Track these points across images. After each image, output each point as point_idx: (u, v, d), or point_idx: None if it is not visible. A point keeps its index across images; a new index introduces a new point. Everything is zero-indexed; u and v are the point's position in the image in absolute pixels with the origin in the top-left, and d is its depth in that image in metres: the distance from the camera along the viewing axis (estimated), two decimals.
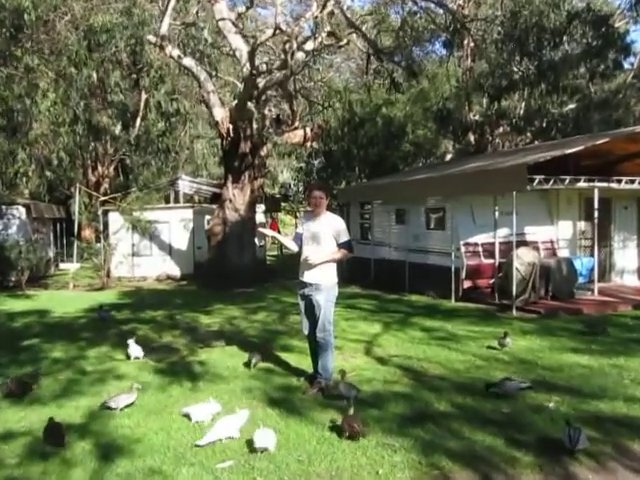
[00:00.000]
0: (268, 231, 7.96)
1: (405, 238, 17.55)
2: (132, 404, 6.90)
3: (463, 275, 15.23)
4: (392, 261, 18.32)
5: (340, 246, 7.31)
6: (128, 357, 9.03)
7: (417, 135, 30.65)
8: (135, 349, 9.13)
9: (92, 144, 34.24)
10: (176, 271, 23.72)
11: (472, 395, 7.06)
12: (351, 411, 5.96)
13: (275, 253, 32.19)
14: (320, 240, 7.30)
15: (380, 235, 19.22)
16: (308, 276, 7.36)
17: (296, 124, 21.23)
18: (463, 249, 15.34)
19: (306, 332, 7.64)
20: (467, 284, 15.31)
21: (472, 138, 29.45)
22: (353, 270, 19.03)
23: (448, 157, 32.75)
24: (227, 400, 7.04)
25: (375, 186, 20.79)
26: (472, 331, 11.01)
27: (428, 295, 15.80)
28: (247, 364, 8.27)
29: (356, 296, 16.46)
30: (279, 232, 24.77)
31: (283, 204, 37.29)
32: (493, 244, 14.47)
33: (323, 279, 7.29)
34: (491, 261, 14.86)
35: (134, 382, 7.21)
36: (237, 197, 19.62)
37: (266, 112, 20.35)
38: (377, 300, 15.70)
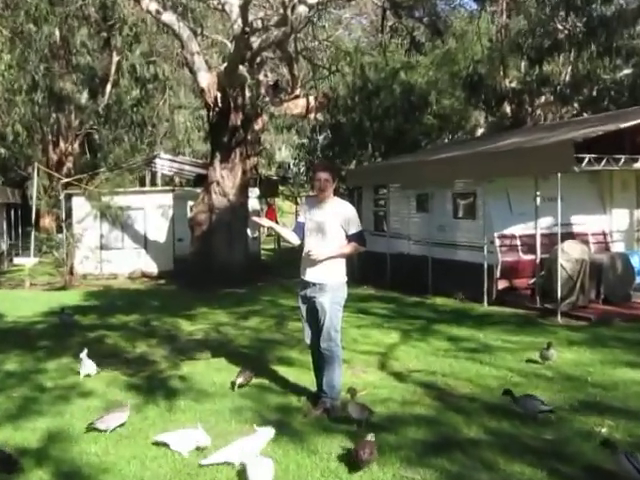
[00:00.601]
0: (264, 221, 7.91)
1: (428, 229, 17.53)
2: (123, 424, 6.90)
3: (498, 274, 15.21)
4: (412, 257, 18.30)
5: (350, 238, 7.27)
6: (78, 373, 8.93)
7: (442, 105, 30.57)
8: (88, 365, 8.97)
9: (54, 115, 34.29)
10: (153, 268, 23.76)
11: (508, 418, 7.00)
12: (370, 437, 5.91)
13: (271, 246, 32.23)
14: (326, 231, 7.26)
15: (398, 225, 19.22)
16: (311, 274, 7.32)
17: (297, 92, 21.18)
18: (498, 242, 15.32)
19: (308, 341, 7.60)
20: (502, 284, 15.29)
21: (508, 109, 29.33)
22: (365, 267, 18.98)
23: (479, 132, 32.64)
24: (213, 423, 7.01)
25: (392, 166, 20.74)
26: (508, 341, 10.96)
27: (455, 297, 15.79)
28: (234, 382, 8.20)
29: (369, 298, 16.46)
30: (276, 222, 24.77)
31: (281, 188, 37.28)
32: (534, 236, 14.39)
33: (329, 278, 7.25)
34: (531, 257, 14.80)
35: (126, 401, 7.20)
36: (226, 179, 19.60)
37: (261, 78, 20.30)
38: (394, 303, 15.71)
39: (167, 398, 7.97)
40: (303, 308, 7.53)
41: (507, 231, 15.43)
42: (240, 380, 8.12)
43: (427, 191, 17.69)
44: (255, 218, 7.87)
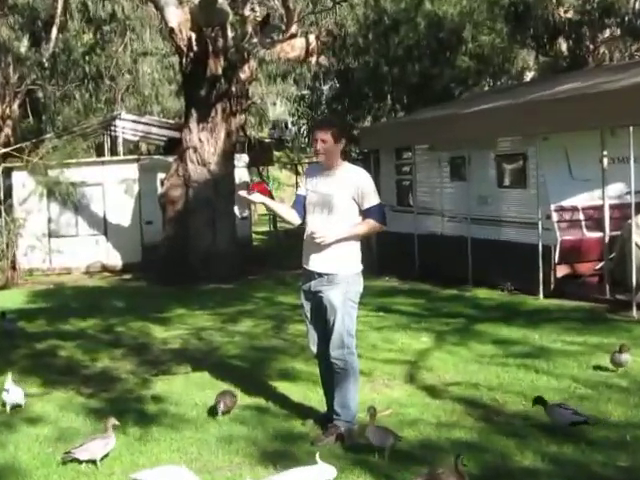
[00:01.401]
0: (255, 196, 7.80)
1: (466, 202, 17.51)
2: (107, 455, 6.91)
3: (556, 257, 15.19)
4: (447, 237, 18.35)
5: (365, 215, 7.22)
6: (3, 405, 8.67)
7: (480, 43, 30.29)
8: (14, 393, 8.64)
9: None
10: (115, 259, 23.87)
11: (572, 441, 6.96)
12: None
13: (265, 229, 32.20)
14: (333, 206, 7.22)
15: (427, 198, 19.23)
16: (316, 262, 7.29)
17: (293, 30, 21.09)
18: (555, 217, 15.31)
19: (314, 349, 7.59)
20: (562, 271, 15.29)
21: (564, 46, 29.11)
22: (387, 253, 19.01)
23: (529, 76, 32.41)
24: (195, 455, 7.00)
25: (417, 122, 20.68)
26: (571, 343, 10.92)
27: (503, 289, 15.81)
28: (212, 410, 8.12)
29: (393, 292, 16.56)
30: (271, 197, 24.74)
31: (277, 154, 37.21)
32: (601, 208, 14.38)
33: (339, 267, 7.21)
34: (598, 235, 14.78)
35: (111, 418, 7.13)
36: (205, 144, 19.65)
37: (247, 12, 20.23)
38: (425, 298, 15.75)
39: (136, 424, 7.95)
40: (307, 306, 7.51)
41: (567, 202, 15.38)
42: (221, 407, 7.94)
43: (463, 153, 17.63)
44: (242, 193, 7.75)
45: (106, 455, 6.87)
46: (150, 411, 8.47)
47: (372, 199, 7.24)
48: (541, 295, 15.01)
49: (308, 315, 7.55)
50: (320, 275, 7.26)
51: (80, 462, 6.77)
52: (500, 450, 6.90)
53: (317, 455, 6.09)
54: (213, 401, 8.06)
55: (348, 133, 7.18)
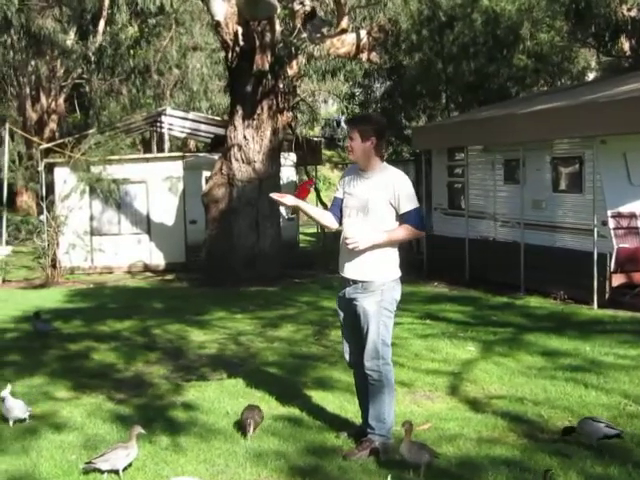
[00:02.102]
0: (287, 198, 7.63)
1: (519, 206, 17.45)
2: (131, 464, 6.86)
3: (612, 266, 15.07)
4: (499, 243, 18.37)
5: (402, 220, 7.09)
6: (6, 420, 8.40)
7: (539, 41, 30.16)
8: (14, 406, 8.31)
9: (32, 62, 34.53)
10: (158, 259, 23.91)
11: (619, 462, 6.78)
12: None
13: (313, 230, 32.07)
14: (369, 211, 7.11)
15: (480, 202, 19.25)
16: (350, 269, 7.20)
17: (344, 25, 20.99)
18: (612, 224, 15.21)
19: (348, 358, 7.53)
20: (618, 280, 15.16)
21: (626, 45, 28.82)
22: (437, 258, 18.99)
23: (590, 76, 32.14)
24: (222, 467, 6.93)
25: (471, 122, 20.67)
26: (624, 357, 10.76)
27: (555, 297, 15.73)
28: (241, 431, 7.86)
29: (439, 299, 16.45)
30: (319, 199, 24.61)
31: (327, 153, 37.13)
32: None
33: (373, 274, 7.10)
34: None
35: (136, 426, 7.09)
36: (250, 141, 19.61)
37: (296, 6, 20.17)
38: (473, 306, 15.65)
39: (164, 433, 7.89)
40: (341, 314, 7.45)
41: (625, 209, 15.29)
42: (251, 427, 7.64)
43: (518, 155, 17.56)
44: (275, 195, 7.62)
45: (129, 465, 6.81)
46: (179, 419, 8.41)
47: (410, 203, 7.11)
48: (595, 305, 14.90)
49: (342, 322, 7.49)
50: (355, 282, 7.16)
51: (102, 472, 6.71)
52: (543, 470, 6.72)
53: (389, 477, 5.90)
54: (240, 417, 7.89)
55: (382, 132, 6.94)
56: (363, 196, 7.14)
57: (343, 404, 8.65)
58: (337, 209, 7.39)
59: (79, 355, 11.72)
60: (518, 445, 7.36)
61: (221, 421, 8.22)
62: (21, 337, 13.30)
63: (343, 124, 42.47)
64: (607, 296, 15.01)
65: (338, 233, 7.56)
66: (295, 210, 20.92)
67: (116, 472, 6.69)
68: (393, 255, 7.22)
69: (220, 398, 9.13)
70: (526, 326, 13.26)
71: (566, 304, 15.30)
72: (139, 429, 7.01)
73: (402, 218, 7.09)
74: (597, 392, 9.03)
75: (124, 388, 9.79)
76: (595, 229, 15.08)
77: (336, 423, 8.05)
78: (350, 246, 7.01)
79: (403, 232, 7.13)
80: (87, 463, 6.81)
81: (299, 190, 24.24)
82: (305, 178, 27.93)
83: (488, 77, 28.82)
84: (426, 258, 20.50)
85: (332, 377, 9.94)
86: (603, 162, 15.40)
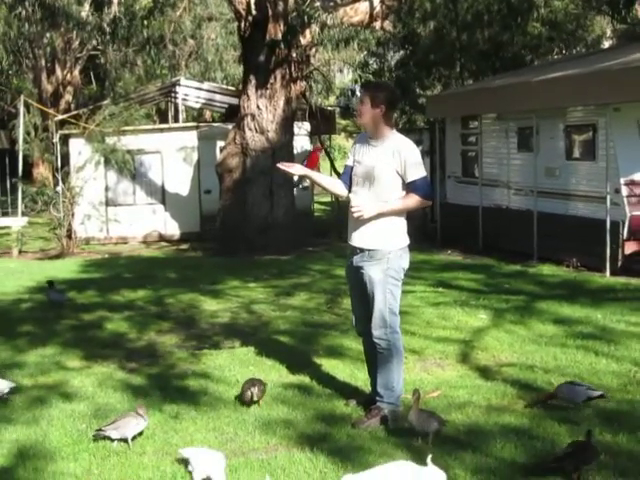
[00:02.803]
0: (296, 167, 7.59)
1: (533, 174, 17.42)
2: (141, 433, 6.87)
3: (625, 233, 15.07)
4: (512, 211, 18.37)
5: (409, 188, 7.02)
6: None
7: (553, 9, 29.98)
8: None
9: (47, 34, 34.46)
10: (173, 229, 23.98)
11: (628, 430, 6.75)
12: None
13: (328, 199, 32.03)
14: (375, 179, 7.05)
15: (493, 170, 19.24)
16: (356, 238, 7.17)
17: None
18: (625, 191, 15.18)
19: (357, 327, 7.53)
20: (631, 247, 15.16)
21: None
22: (451, 226, 18.99)
23: (605, 45, 31.93)
24: (231, 436, 6.92)
25: (485, 91, 20.65)
26: (635, 324, 10.72)
27: (568, 265, 15.74)
28: (245, 400, 7.72)
29: (453, 267, 16.44)
30: (333, 168, 24.53)
31: (343, 122, 36.96)
32: None
33: (380, 242, 7.05)
34: None
35: (141, 405, 7.04)
36: (264, 111, 19.58)
37: None
38: (486, 274, 15.63)
39: (174, 401, 7.88)
40: (350, 282, 7.43)
41: (638, 176, 15.26)
42: (248, 397, 7.53)
43: (532, 123, 17.48)
44: (281, 164, 7.56)
45: (140, 433, 6.81)
46: (190, 388, 8.40)
47: (416, 172, 7.03)
48: (608, 273, 14.89)
49: (350, 292, 7.50)
50: (361, 250, 7.12)
51: (112, 440, 6.70)
52: (551, 437, 6.70)
53: (429, 458, 5.78)
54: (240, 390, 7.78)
55: (393, 102, 6.86)
56: (370, 164, 7.09)
57: (353, 372, 8.64)
58: (347, 177, 7.35)
59: (92, 325, 11.74)
60: (527, 413, 7.31)
61: (231, 389, 8.18)
62: (35, 307, 13.32)
63: (357, 93, 42.29)
64: (620, 264, 15.01)
65: (344, 200, 7.52)
66: (304, 179, 21.04)
67: (125, 440, 6.68)
68: (400, 223, 7.15)
69: (231, 367, 9.13)
70: (538, 294, 13.23)
71: (579, 272, 15.30)
72: (143, 408, 6.95)
73: (409, 187, 7.02)
74: (607, 360, 8.99)
75: (136, 357, 9.79)
76: (608, 197, 15.04)
77: (346, 391, 8.03)
78: (355, 215, 6.98)
79: (409, 201, 7.05)
80: (97, 430, 6.81)
81: (308, 159, 24.35)
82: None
83: (502, 45, 28.71)
84: (440, 226, 20.49)
85: (343, 345, 9.93)
86: (616, 130, 15.38)
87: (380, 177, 7.03)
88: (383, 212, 7.00)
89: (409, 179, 6.99)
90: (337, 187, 7.48)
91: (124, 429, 6.69)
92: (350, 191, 7.30)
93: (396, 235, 7.13)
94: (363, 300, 7.24)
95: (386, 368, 7.17)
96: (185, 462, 6.13)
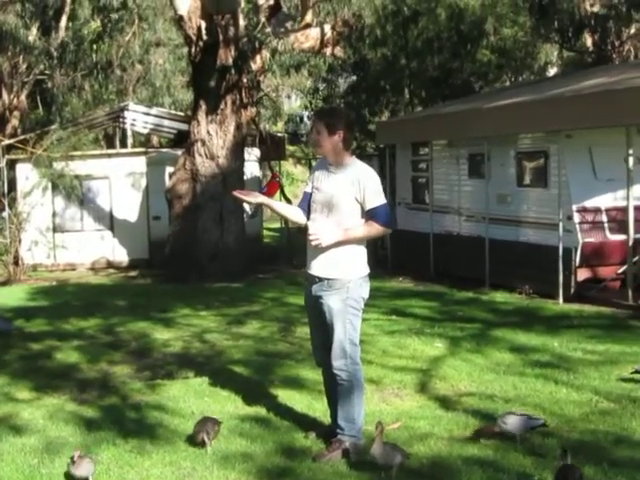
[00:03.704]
0: (251, 195, 7.43)
1: (484, 201, 17.38)
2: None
3: (577, 260, 15.09)
4: (463, 237, 18.37)
5: (368, 216, 6.91)
6: None
7: (502, 37, 30.26)
8: None
9: None
10: (122, 255, 23.78)
11: (593, 462, 6.65)
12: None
13: (277, 225, 31.93)
14: (333, 207, 6.94)
15: (444, 196, 19.23)
16: (315, 266, 7.04)
17: (308, 18, 20.91)
18: (577, 218, 15.23)
19: (316, 357, 7.43)
20: (584, 274, 15.22)
21: (589, 41, 28.91)
22: (401, 252, 18.99)
23: (552, 72, 32.25)
24: (189, 471, 6.74)
25: (436, 117, 20.63)
26: (592, 352, 10.72)
27: (521, 292, 15.71)
28: (197, 443, 7.33)
29: (405, 294, 16.41)
30: (282, 193, 24.44)
31: (291, 148, 36.93)
32: (625, 210, 14.36)
33: (339, 271, 6.92)
34: (621, 237, 14.79)
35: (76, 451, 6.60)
36: (214, 137, 19.51)
37: (260, 0, 20.01)
38: (439, 301, 15.61)
39: (129, 434, 7.68)
40: (309, 311, 7.31)
41: (590, 203, 15.32)
42: (204, 437, 7.14)
43: (483, 150, 17.47)
44: (237, 192, 7.39)
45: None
46: (144, 420, 8.21)
47: (376, 199, 6.90)
48: (561, 299, 14.88)
49: (309, 321, 7.37)
50: (320, 279, 6.99)
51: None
52: (517, 469, 6.59)
53: None
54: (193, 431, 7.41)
55: (350, 126, 6.77)
56: (329, 192, 6.97)
57: (311, 403, 8.50)
58: (305, 204, 7.20)
59: (41, 354, 11.51)
60: (490, 444, 7.20)
61: (187, 422, 7.99)
62: None
63: (306, 119, 42.37)
64: (572, 291, 15.02)
65: (302, 228, 7.39)
66: (258, 207, 20.92)
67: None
68: (360, 251, 7.03)
69: (185, 398, 8.95)
70: (493, 321, 13.24)
71: (532, 299, 15.30)
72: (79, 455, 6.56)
73: (368, 214, 6.90)
74: (567, 389, 8.94)
75: (88, 388, 9.59)
76: (560, 223, 15.01)
77: (304, 423, 7.89)
78: (313, 243, 6.87)
79: (368, 229, 6.94)
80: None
81: (268, 187, 24.25)
82: (269, 173, 27.77)
83: (452, 72, 28.89)
84: (390, 253, 20.46)
85: (299, 375, 9.80)
86: (568, 157, 15.43)
87: (339, 205, 6.90)
88: (342, 240, 6.89)
89: (368, 207, 6.87)
90: (296, 215, 7.32)
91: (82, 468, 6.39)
92: (309, 218, 7.17)
93: (356, 264, 6.99)
94: (322, 330, 7.09)
95: (347, 400, 7.01)
96: None
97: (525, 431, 7.14)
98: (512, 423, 7.10)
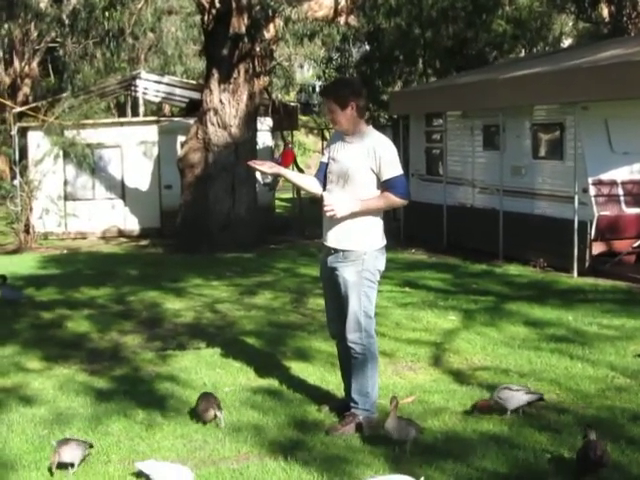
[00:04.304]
0: (266, 164, 7.33)
1: (498, 173, 17.29)
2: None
3: (592, 233, 14.98)
4: (477, 210, 18.26)
5: (384, 187, 6.82)
6: None
7: (517, 6, 30.00)
8: None
9: (5, 25, 33.95)
10: (133, 224, 23.77)
11: (611, 439, 6.55)
12: None
13: (289, 195, 31.87)
14: (349, 177, 6.85)
15: (458, 168, 19.12)
16: (331, 238, 6.96)
17: None
18: (593, 191, 15.08)
19: (330, 329, 7.36)
20: (599, 248, 15.10)
21: (605, 12, 28.67)
22: (414, 224, 18.91)
23: (567, 42, 32.05)
24: (200, 444, 6.67)
25: (450, 88, 20.49)
26: (608, 327, 10.61)
27: (535, 265, 15.63)
28: (205, 421, 7.22)
29: (419, 266, 16.32)
30: (295, 164, 24.36)
31: (303, 118, 36.75)
32: None
33: (355, 243, 6.85)
34: (637, 211, 14.91)
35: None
36: (226, 106, 19.37)
37: None
38: (453, 273, 15.50)
39: (140, 406, 7.64)
40: (324, 283, 7.24)
41: (606, 176, 15.17)
42: (217, 414, 7.03)
43: (498, 121, 17.33)
44: (254, 162, 7.30)
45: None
46: (156, 392, 8.16)
47: (392, 170, 6.80)
48: (575, 273, 14.78)
49: (324, 292, 7.30)
50: (336, 251, 6.91)
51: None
52: (532, 446, 6.51)
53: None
54: (196, 406, 7.25)
55: (359, 93, 6.64)
56: (344, 163, 6.88)
57: (324, 375, 8.46)
58: (322, 175, 7.11)
59: (52, 324, 11.49)
60: (505, 420, 7.12)
61: (198, 394, 7.93)
62: None
63: (318, 89, 42.14)
64: (587, 264, 14.91)
65: (315, 199, 7.30)
66: (275, 177, 20.81)
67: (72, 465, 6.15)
68: (376, 223, 6.94)
69: (197, 369, 8.90)
70: (507, 295, 13.12)
71: (546, 272, 15.20)
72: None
73: (384, 185, 6.80)
74: (583, 364, 8.85)
75: (98, 358, 9.56)
76: (576, 196, 14.91)
77: (317, 396, 7.83)
78: (328, 214, 6.78)
79: (384, 200, 6.85)
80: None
81: (283, 156, 24.15)
82: (281, 143, 27.67)
83: (466, 42, 28.72)
84: (403, 224, 20.37)
85: (312, 347, 9.74)
86: (584, 129, 15.27)
87: (355, 176, 6.81)
88: (357, 211, 6.80)
89: (384, 177, 6.77)
90: (312, 185, 7.23)
91: (72, 454, 6.13)
92: (325, 189, 7.07)
93: (372, 235, 6.91)
94: (337, 302, 7.03)
95: (361, 373, 6.95)
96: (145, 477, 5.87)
97: (522, 406, 7.13)
98: (508, 398, 7.08)
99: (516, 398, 7.09)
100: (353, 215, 6.79)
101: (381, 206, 6.92)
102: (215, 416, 7.03)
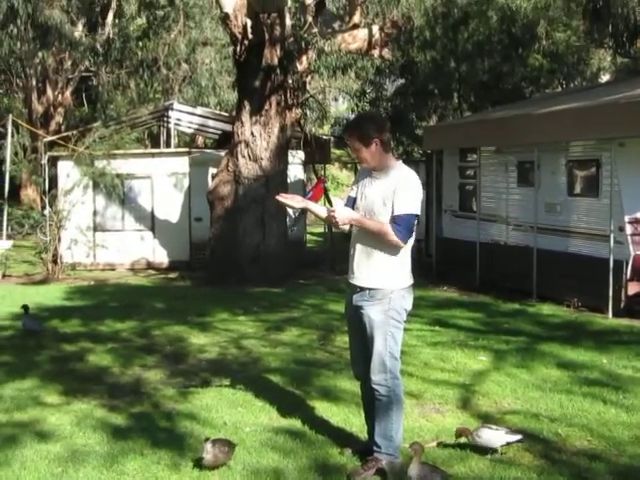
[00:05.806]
0: (294, 199, 7.19)
1: (533, 210, 17.21)
2: None
3: (628, 273, 14.82)
4: (511, 247, 18.16)
5: (391, 220, 6.67)
6: None
7: (555, 41, 30.00)
8: None
9: (39, 54, 34.29)
10: (162, 256, 23.73)
11: None
12: None
13: (321, 230, 31.82)
14: (374, 213, 6.77)
15: (492, 204, 19.03)
16: (357, 275, 6.87)
17: (356, 19, 20.75)
18: (629, 230, 14.94)
19: (354, 369, 7.24)
20: (634, 288, 14.89)
21: None
22: (446, 261, 18.84)
23: (605, 77, 31.91)
24: None
25: (485, 122, 20.51)
26: None
27: (569, 305, 15.47)
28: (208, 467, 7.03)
29: (449, 304, 16.17)
30: (327, 198, 24.26)
31: (337, 152, 36.70)
32: None
33: (381, 281, 6.73)
34: None
35: None
36: (257, 138, 19.38)
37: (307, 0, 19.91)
38: (484, 312, 15.35)
39: (157, 444, 7.54)
40: (349, 321, 7.13)
41: None
42: (209, 458, 6.82)
43: (532, 157, 17.29)
44: (281, 197, 7.17)
45: None
46: (174, 430, 8.05)
47: (405, 207, 6.66)
48: (610, 314, 14.65)
49: (349, 331, 7.20)
50: (362, 289, 6.80)
51: None
52: None
53: None
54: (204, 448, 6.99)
55: (382, 128, 6.54)
56: (370, 198, 6.82)
57: (348, 417, 8.30)
58: (349, 208, 6.97)
59: (74, 357, 11.42)
60: (534, 467, 6.98)
61: (217, 433, 7.82)
62: (16, 335, 13.01)
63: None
64: (622, 305, 14.75)
65: (346, 234, 7.18)
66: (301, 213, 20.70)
67: None
68: (404, 261, 6.82)
69: (218, 407, 8.79)
70: (539, 335, 12.94)
71: (580, 312, 15.04)
72: None
73: (391, 219, 6.68)
74: (617, 409, 8.67)
75: (118, 394, 9.46)
76: (611, 235, 14.81)
77: (340, 438, 7.68)
78: (334, 220, 6.83)
79: (380, 227, 6.68)
80: None
81: (314, 191, 24.01)
82: (313, 177, 27.63)
83: (502, 76, 28.75)
84: (435, 261, 20.25)
85: (337, 386, 9.59)
86: (621, 165, 15.10)
87: (380, 211, 6.73)
88: (355, 223, 6.81)
89: (395, 212, 6.66)
90: None
91: None
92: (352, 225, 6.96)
93: (399, 273, 6.79)
94: (361, 342, 6.91)
95: (385, 416, 6.81)
96: None
97: (501, 446, 7.13)
98: (486, 437, 7.07)
99: (497, 438, 7.07)
100: (381, 254, 6.73)
101: (376, 231, 6.72)
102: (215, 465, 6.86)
